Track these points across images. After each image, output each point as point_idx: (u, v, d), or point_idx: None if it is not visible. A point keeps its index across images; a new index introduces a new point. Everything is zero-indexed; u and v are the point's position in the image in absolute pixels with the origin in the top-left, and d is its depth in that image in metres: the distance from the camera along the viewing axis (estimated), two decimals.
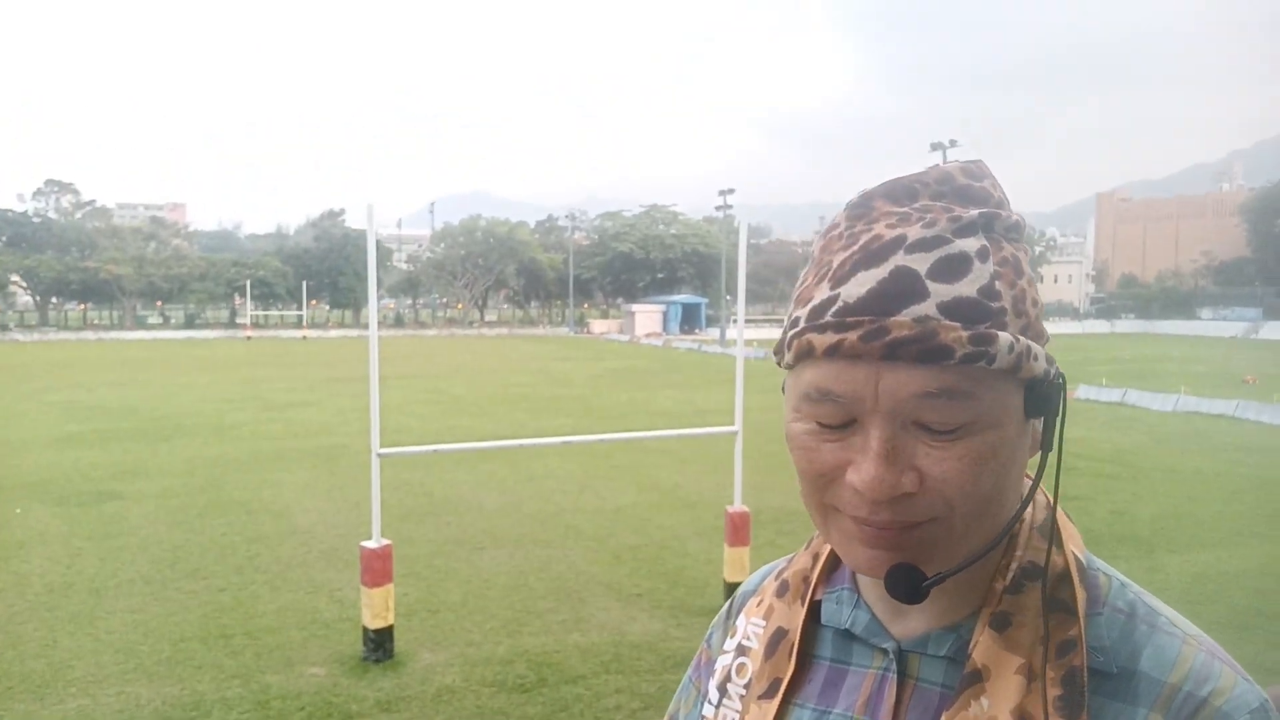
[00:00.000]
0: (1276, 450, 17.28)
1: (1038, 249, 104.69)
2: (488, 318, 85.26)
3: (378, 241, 7.24)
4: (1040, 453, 0.77)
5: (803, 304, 0.77)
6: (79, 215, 76.96)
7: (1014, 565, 0.78)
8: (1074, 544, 0.81)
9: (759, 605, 0.93)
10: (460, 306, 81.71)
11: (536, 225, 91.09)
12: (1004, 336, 0.71)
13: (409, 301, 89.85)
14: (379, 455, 7.17)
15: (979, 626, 0.77)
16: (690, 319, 71.84)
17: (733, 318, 48.27)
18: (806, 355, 0.75)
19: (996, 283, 0.73)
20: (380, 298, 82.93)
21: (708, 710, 0.90)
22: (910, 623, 0.82)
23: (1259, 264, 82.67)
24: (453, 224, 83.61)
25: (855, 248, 0.75)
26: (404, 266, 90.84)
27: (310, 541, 10.36)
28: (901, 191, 0.77)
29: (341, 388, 27.19)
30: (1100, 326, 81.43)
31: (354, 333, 68.05)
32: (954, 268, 0.72)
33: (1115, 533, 10.84)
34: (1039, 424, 0.77)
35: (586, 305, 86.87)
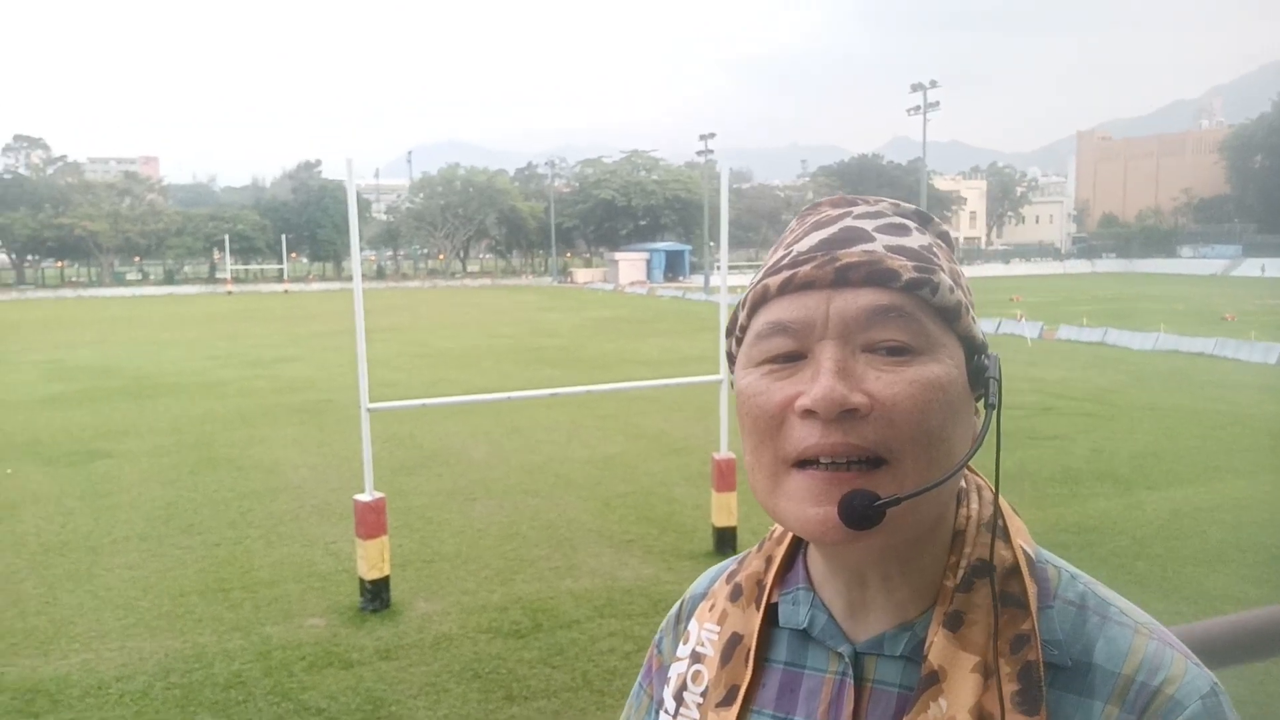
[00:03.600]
0: (1253, 387, 17.57)
1: (1019, 190, 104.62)
2: (470, 268, 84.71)
3: (356, 193, 7.23)
4: (984, 430, 0.78)
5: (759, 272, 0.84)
6: (50, 171, 75.37)
7: (963, 563, 0.78)
8: (1021, 538, 0.81)
9: (711, 610, 0.91)
10: (442, 257, 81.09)
11: (516, 173, 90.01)
12: (944, 277, 0.76)
13: (390, 253, 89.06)
14: (368, 410, 7.23)
15: (933, 627, 0.77)
16: (674, 266, 71.67)
17: (716, 264, 48.25)
18: (761, 301, 0.79)
19: (935, 249, 0.80)
20: (361, 250, 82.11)
21: (664, 719, 0.89)
22: (867, 621, 0.81)
23: (1238, 201, 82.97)
24: (431, 173, 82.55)
25: (805, 225, 0.83)
26: (383, 217, 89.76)
27: (302, 496, 10.45)
28: (844, 201, 0.86)
29: (325, 342, 27.12)
30: (1081, 266, 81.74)
31: (335, 285, 67.53)
32: (897, 230, 0.80)
33: (1094, 470, 11.06)
34: (981, 415, 0.79)
35: (569, 254, 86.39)
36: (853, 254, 0.76)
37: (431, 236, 79.40)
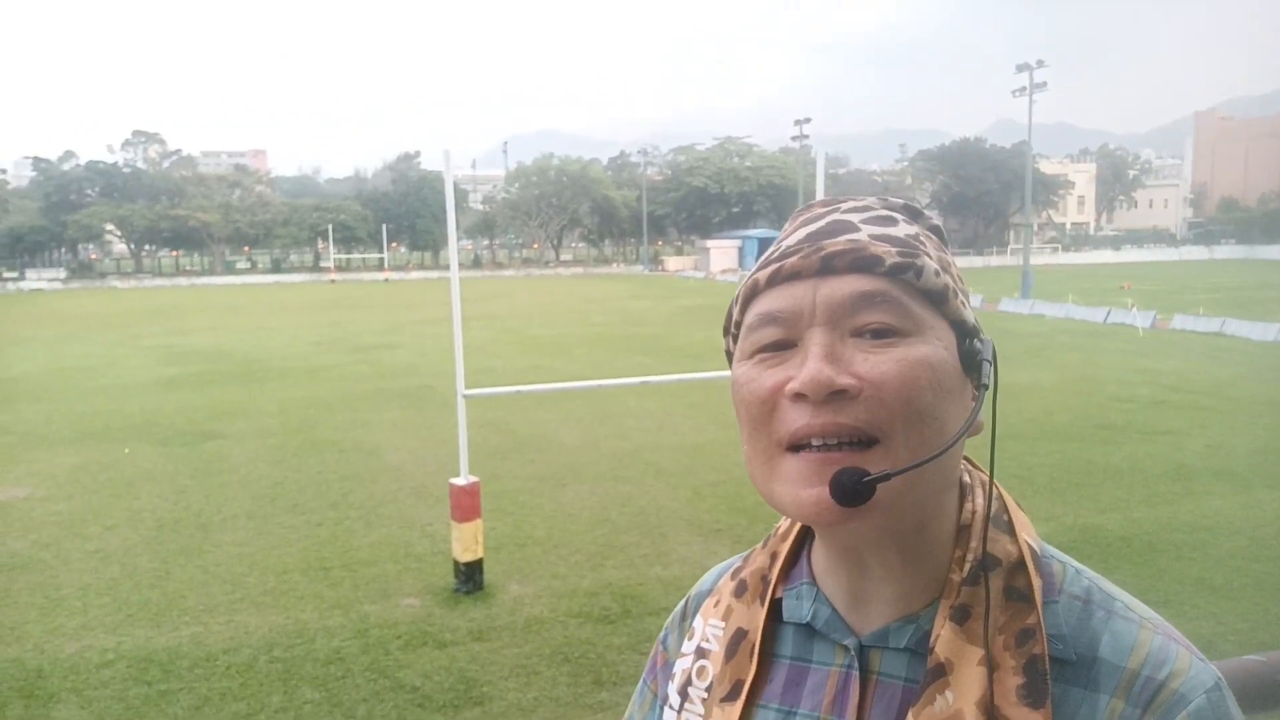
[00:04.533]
0: None
1: (1131, 173, 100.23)
2: (563, 257, 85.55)
3: (454, 183, 7.33)
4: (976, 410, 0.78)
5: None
6: (166, 165, 79.00)
7: (969, 557, 0.79)
8: (1026, 532, 0.82)
9: (716, 606, 0.93)
10: (536, 246, 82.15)
11: (609, 162, 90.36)
12: (929, 261, 0.78)
13: (486, 242, 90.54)
14: (464, 396, 7.35)
15: (939, 620, 0.78)
16: None
17: None
18: (752, 295, 0.82)
19: (922, 238, 0.82)
20: (458, 239, 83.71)
21: (669, 715, 0.91)
22: (870, 613, 0.82)
23: None
24: (526, 163, 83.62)
25: (796, 223, 0.86)
26: (480, 207, 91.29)
27: (400, 479, 10.71)
28: (833, 200, 0.88)
29: (424, 329, 27.75)
30: (1198, 253, 77.95)
31: (434, 274, 69.09)
32: (883, 221, 0.82)
33: (1211, 468, 10.53)
34: (977, 399, 0.78)
35: (660, 242, 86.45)
36: (837, 243, 0.78)
37: (526, 226, 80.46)
